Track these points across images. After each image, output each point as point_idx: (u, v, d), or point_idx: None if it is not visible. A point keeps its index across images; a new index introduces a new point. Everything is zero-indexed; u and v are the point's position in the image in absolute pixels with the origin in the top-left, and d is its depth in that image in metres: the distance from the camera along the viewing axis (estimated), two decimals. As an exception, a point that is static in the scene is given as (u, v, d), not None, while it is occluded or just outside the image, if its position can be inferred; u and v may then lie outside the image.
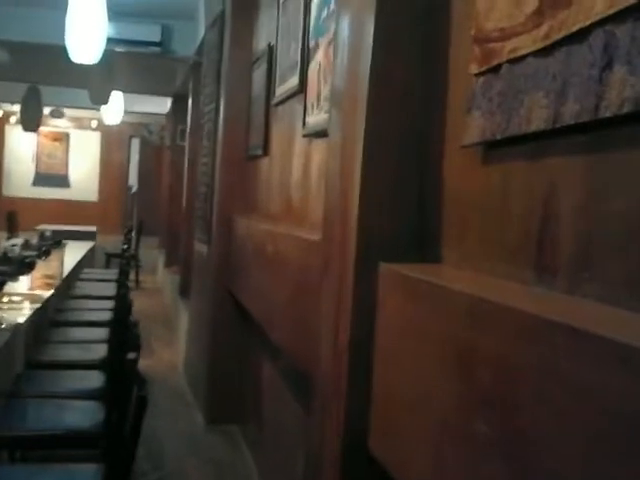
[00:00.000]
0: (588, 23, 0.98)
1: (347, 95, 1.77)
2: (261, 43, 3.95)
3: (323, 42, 2.46)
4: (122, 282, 5.05)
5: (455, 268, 1.46)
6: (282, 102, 3.27)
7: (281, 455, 3.15)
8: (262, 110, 3.69)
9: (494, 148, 1.31)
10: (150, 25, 6.91)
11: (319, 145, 2.62)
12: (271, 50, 3.59)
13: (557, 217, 1.11)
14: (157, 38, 6.95)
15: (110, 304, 5.34)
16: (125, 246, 7.91)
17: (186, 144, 7.71)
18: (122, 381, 3.17)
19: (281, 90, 3.25)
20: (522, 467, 0.99)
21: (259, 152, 3.73)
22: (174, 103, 10.09)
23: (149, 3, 6.63)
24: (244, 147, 4.24)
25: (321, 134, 2.57)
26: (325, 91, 2.42)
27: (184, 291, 7.01)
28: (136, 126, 15.05)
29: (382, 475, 1.62)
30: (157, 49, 7.02)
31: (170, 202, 10.09)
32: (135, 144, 17.20)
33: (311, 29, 2.65)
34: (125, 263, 6.29)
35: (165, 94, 10.38)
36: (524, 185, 1.21)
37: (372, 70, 1.61)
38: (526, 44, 1.15)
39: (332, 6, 2.37)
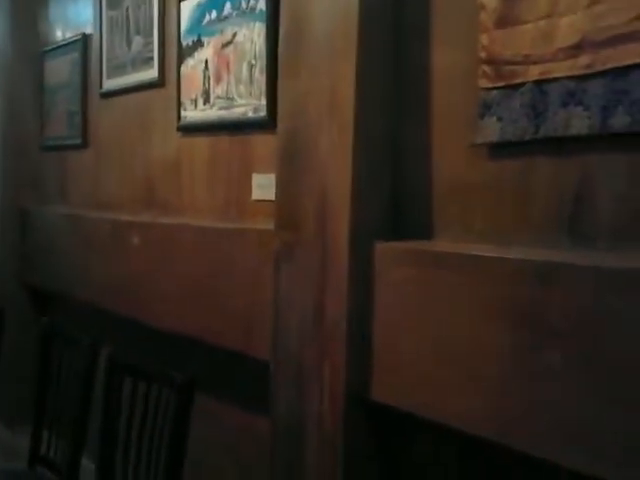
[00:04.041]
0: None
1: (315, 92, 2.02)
2: (59, 32, 3.88)
3: (212, 42, 2.63)
4: None
5: (454, 243, 1.82)
6: (118, 93, 3.31)
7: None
8: (77, 100, 3.66)
9: (508, 147, 1.69)
10: None
11: (199, 138, 2.78)
12: (86, 40, 3.59)
13: (594, 195, 1.52)
14: None
15: None
16: None
17: None
18: None
19: (117, 82, 3.30)
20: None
21: (75, 142, 3.70)
22: None
23: None
24: (35, 138, 4.12)
25: (204, 128, 2.74)
26: (219, 89, 2.60)
27: None
28: None
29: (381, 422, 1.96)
30: None
31: None
32: None
33: (184, 29, 2.78)
34: None
35: None
36: (552, 173, 1.60)
37: (357, 73, 1.89)
38: (560, 69, 1.54)
39: (227, 9, 2.55)
